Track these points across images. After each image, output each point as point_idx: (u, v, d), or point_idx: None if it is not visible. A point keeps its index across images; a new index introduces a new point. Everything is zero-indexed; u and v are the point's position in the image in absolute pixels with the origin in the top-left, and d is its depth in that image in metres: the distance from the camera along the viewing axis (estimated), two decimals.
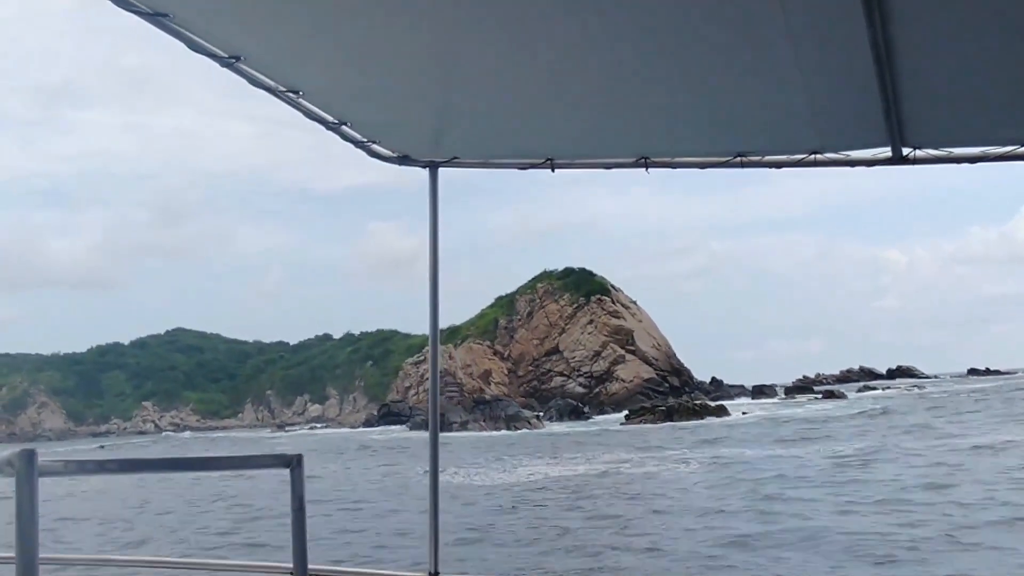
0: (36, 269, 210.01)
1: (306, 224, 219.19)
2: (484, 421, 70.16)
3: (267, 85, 3.65)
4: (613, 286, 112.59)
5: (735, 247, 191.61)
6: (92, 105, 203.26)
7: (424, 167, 4.96)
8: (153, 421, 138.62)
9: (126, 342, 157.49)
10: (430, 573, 4.90)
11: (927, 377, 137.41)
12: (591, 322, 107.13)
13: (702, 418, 68.35)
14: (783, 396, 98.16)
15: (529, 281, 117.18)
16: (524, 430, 67.58)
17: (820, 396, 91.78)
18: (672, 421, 68.64)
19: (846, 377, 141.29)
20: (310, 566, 3.01)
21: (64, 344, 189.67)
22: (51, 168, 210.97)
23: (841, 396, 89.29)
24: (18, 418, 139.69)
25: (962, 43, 3.34)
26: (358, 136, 4.41)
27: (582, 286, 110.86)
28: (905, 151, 4.37)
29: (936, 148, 4.37)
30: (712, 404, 76.49)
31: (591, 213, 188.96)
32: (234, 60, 3.37)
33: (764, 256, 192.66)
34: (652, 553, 19.68)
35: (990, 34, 3.26)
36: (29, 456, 2.18)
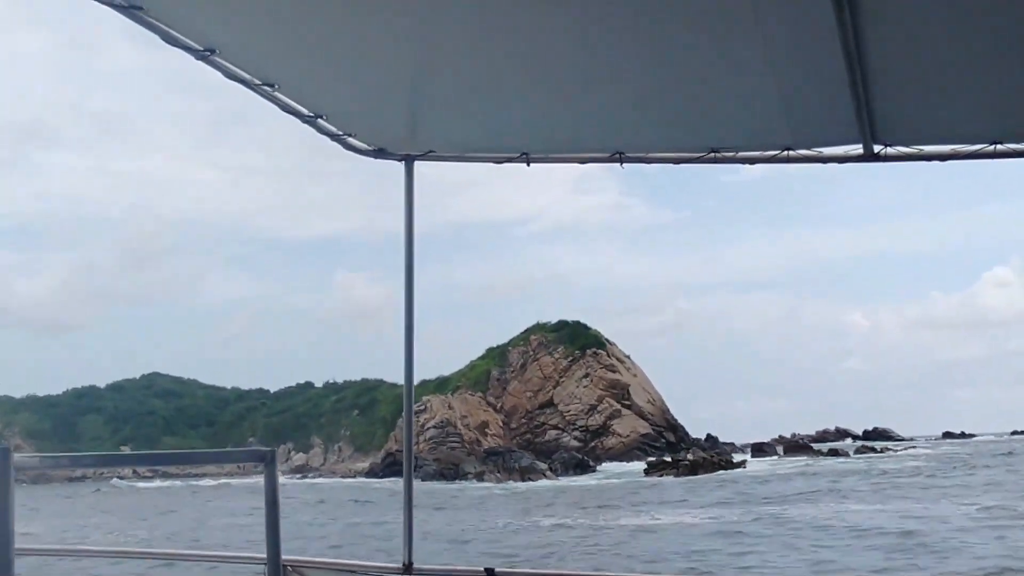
0: None
1: (274, 272, 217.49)
2: (499, 472, 69.00)
3: (242, 78, 3.61)
4: (607, 340, 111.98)
5: (702, 306, 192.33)
6: (60, 147, 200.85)
7: (400, 160, 4.96)
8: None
9: (102, 385, 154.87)
10: (404, 564, 5.02)
11: (903, 439, 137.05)
12: (586, 375, 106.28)
13: (726, 470, 67.67)
14: (781, 455, 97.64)
15: (521, 333, 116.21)
16: (544, 481, 66.51)
17: (824, 453, 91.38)
18: (696, 474, 67.88)
19: (822, 437, 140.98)
20: (283, 557, 3.13)
21: (29, 387, 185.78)
22: (17, 208, 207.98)
23: (844, 454, 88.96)
24: None
25: (933, 41, 3.35)
26: (334, 129, 4.39)
27: (576, 339, 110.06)
28: (876, 148, 4.39)
29: (907, 146, 4.41)
30: (735, 459, 75.82)
31: (561, 269, 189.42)
32: (209, 53, 3.33)
33: (730, 315, 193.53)
34: None
35: (961, 33, 3.26)
36: (3, 453, 2.31)
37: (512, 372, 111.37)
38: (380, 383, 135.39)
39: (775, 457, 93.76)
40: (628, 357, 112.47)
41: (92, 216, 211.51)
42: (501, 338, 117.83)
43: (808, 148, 4.52)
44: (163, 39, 3.17)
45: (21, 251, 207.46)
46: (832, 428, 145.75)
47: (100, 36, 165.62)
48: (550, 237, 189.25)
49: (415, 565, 5.05)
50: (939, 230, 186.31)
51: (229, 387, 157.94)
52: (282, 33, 3.45)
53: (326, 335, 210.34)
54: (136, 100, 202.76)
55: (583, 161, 4.92)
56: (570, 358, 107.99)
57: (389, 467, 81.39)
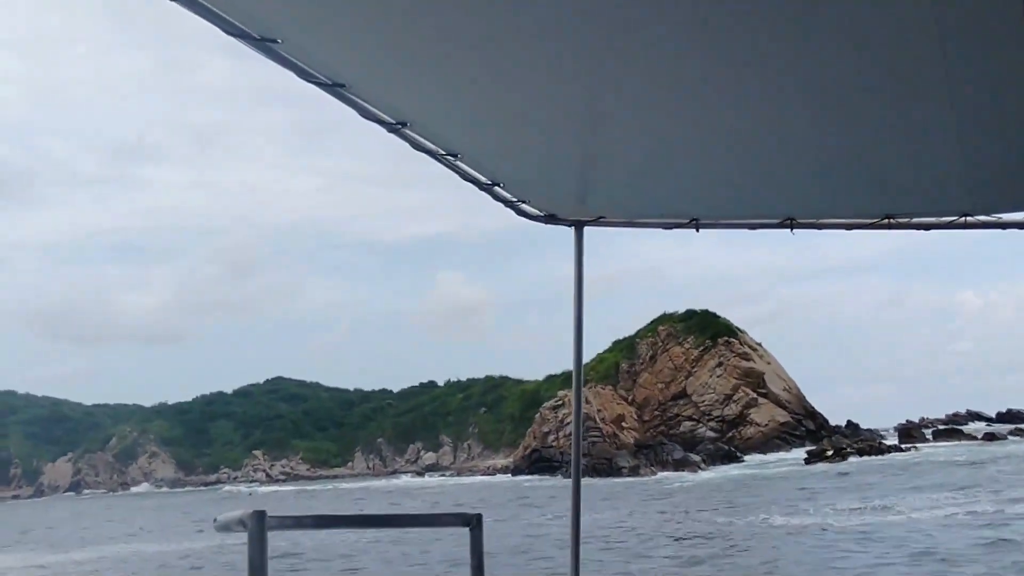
0: (108, 323, 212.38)
1: (373, 276, 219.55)
2: (652, 465, 67.61)
3: (429, 149, 3.77)
4: (738, 328, 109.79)
5: (803, 293, 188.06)
6: (162, 162, 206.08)
7: (570, 226, 5.06)
8: (264, 470, 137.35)
9: (228, 391, 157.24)
10: None
11: None
12: (720, 365, 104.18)
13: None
14: (931, 439, 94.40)
15: (649, 324, 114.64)
16: (705, 473, 64.89)
17: (979, 438, 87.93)
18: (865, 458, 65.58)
19: (953, 420, 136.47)
20: None
21: (157, 395, 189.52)
22: (122, 224, 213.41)
23: (1002, 437, 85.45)
24: (129, 467, 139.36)
25: None
26: (509, 196, 4.51)
27: (707, 328, 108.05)
28: None
29: None
30: (901, 445, 73.23)
31: (653, 261, 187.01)
32: (400, 126, 3.52)
33: (833, 301, 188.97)
34: None
35: None
36: (260, 516, 2.44)
37: (642, 364, 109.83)
38: (505, 380, 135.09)
39: (929, 442, 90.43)
40: (760, 344, 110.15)
41: (194, 228, 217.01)
42: (602, 331, 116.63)
43: (987, 214, 4.44)
44: (360, 113, 3.35)
45: (127, 265, 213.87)
46: (963, 411, 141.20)
47: (196, 52, 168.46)
48: (647, 231, 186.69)
49: None
50: None
51: (352, 389, 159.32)
52: (466, 107, 3.62)
53: (429, 335, 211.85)
54: (232, 113, 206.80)
55: (752, 227, 4.93)
56: (701, 347, 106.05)
57: (535, 464, 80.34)
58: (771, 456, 76.16)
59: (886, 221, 4.59)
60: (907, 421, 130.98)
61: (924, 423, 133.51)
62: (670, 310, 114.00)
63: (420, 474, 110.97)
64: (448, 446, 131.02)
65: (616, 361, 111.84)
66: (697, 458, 71.22)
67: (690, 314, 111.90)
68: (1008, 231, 4.56)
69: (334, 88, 3.17)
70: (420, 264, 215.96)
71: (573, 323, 5.28)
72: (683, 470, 66.47)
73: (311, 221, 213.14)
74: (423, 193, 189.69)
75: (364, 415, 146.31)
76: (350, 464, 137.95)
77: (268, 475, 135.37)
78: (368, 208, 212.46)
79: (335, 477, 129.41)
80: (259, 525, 2.44)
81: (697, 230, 4.87)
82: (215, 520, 2.75)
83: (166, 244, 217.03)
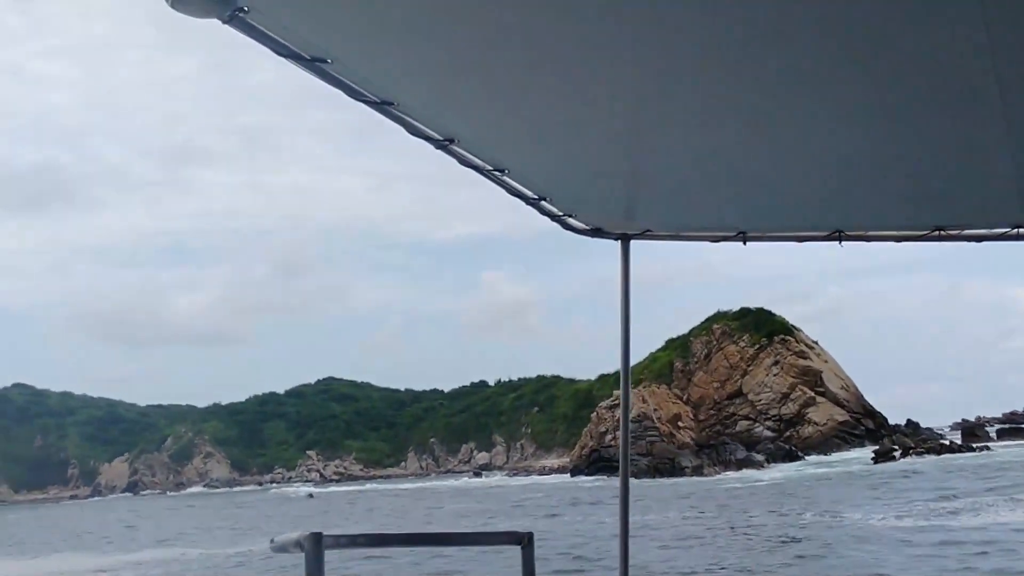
0: (161, 325, 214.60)
1: (420, 275, 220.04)
2: (716, 465, 67.02)
3: (476, 165, 3.78)
4: (794, 326, 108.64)
5: (855, 290, 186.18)
6: (212, 165, 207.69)
7: (616, 239, 5.05)
8: (318, 470, 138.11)
9: (281, 391, 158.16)
10: None
11: None
12: (776, 363, 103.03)
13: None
14: (995, 437, 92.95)
15: (703, 322, 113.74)
16: (772, 472, 64.14)
17: None
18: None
19: (1011, 419, 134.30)
20: None
21: (210, 396, 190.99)
22: (173, 227, 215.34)
23: None
24: (184, 468, 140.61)
25: None
26: (555, 210, 4.54)
27: (762, 326, 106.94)
28: None
29: None
30: (972, 444, 72.13)
31: (703, 260, 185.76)
32: (448, 143, 3.53)
33: (884, 299, 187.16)
34: None
35: None
36: (317, 538, 2.50)
37: (696, 362, 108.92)
38: (557, 379, 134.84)
39: (994, 441, 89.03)
40: (816, 343, 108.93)
41: (244, 230, 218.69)
42: (655, 329, 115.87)
43: None
44: (408, 131, 3.39)
45: (179, 267, 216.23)
46: (1020, 409, 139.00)
47: (244, 53, 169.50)
48: None
49: None
50: None
51: (403, 388, 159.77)
52: (512, 123, 3.62)
53: (477, 334, 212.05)
54: (280, 114, 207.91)
55: (800, 240, 4.92)
56: (756, 346, 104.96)
57: (593, 464, 79.89)
58: (833, 456, 75.12)
59: (936, 233, 4.60)
60: (963, 420, 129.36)
61: (981, 421, 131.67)
62: (723, 308, 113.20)
63: (477, 474, 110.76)
64: (501, 446, 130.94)
65: (670, 360, 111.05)
66: (760, 457, 70.56)
67: (745, 312, 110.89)
68: None
69: (382, 106, 3.21)
70: (468, 264, 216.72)
71: (620, 335, 5.27)
72: (746, 469, 65.70)
73: (360, 221, 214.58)
74: (471, 193, 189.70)
75: (416, 415, 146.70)
76: (403, 464, 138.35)
77: (322, 475, 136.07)
78: (416, 208, 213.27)
79: (388, 477, 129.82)
80: (316, 547, 2.48)
81: (744, 243, 4.88)
82: (272, 541, 2.75)
83: (217, 246, 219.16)
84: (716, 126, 3.59)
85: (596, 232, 4.94)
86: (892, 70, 3.04)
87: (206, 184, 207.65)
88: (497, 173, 3.94)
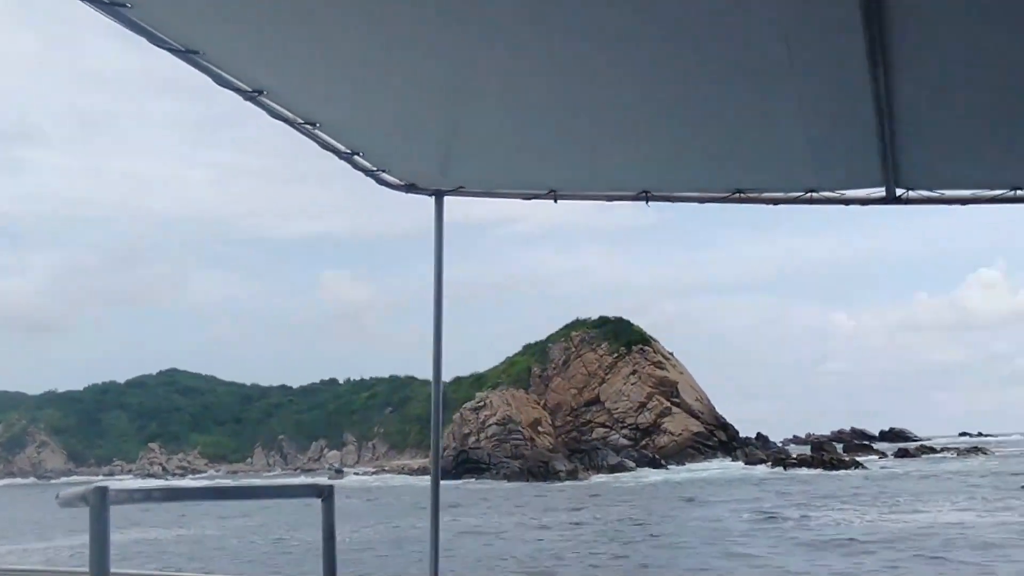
0: None
1: (260, 271, 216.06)
2: (589, 469, 67.52)
3: (287, 118, 3.79)
4: (651, 336, 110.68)
5: (688, 308, 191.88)
6: (46, 147, 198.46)
7: (430, 195, 5.12)
8: (160, 464, 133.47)
9: (121, 381, 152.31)
10: None
11: (919, 440, 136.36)
12: (634, 372, 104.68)
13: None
14: (842, 453, 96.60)
15: (562, 328, 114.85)
16: (653, 476, 64.90)
17: (890, 455, 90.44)
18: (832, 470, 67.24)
19: (838, 438, 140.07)
20: None
21: (45, 383, 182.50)
22: (1, 208, 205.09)
23: (915, 455, 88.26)
24: (16, 457, 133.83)
25: (959, 96, 3.58)
26: (369, 165, 4.56)
27: (621, 335, 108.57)
28: (899, 192, 4.63)
29: (929, 190, 4.65)
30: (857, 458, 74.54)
31: (544, 271, 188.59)
32: (257, 94, 3.52)
33: (716, 318, 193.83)
34: None
35: (986, 86, 3.50)
36: (102, 492, 2.45)
37: (554, 368, 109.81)
38: (411, 380, 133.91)
39: (841, 457, 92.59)
40: (672, 354, 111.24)
41: (78, 216, 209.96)
42: (489, 340, 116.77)
43: (832, 190, 4.69)
44: (215, 81, 3.34)
45: (6, 252, 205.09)
46: (848, 428, 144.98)
47: (85, 35, 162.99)
48: (533, 239, 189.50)
49: None
50: (925, 232, 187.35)
51: (249, 383, 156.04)
52: (324, 75, 3.61)
53: (321, 332, 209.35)
54: (124, 100, 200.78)
55: (610, 199, 5.07)
56: (615, 354, 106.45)
57: (461, 465, 79.30)
58: (697, 465, 76.76)
59: (736, 195, 4.79)
60: (794, 436, 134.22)
61: (811, 438, 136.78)
62: (564, 318, 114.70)
63: (338, 472, 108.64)
64: (352, 445, 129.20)
65: (528, 365, 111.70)
66: (632, 464, 71.48)
67: (604, 320, 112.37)
68: (851, 207, 4.82)
69: (187, 55, 3.12)
70: (310, 262, 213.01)
71: (433, 293, 5.33)
72: (617, 473, 66.52)
73: (200, 214, 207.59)
74: (315, 190, 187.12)
75: (264, 411, 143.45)
76: (249, 460, 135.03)
77: (164, 468, 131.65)
78: (258, 203, 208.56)
79: (235, 473, 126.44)
80: (101, 500, 2.42)
81: (555, 201, 4.98)
82: (57, 496, 2.66)
83: (48, 230, 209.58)
84: (529, 86, 3.64)
85: (410, 188, 4.98)
86: (694, 42, 3.18)
87: (38, 166, 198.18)
88: (308, 126, 3.91)
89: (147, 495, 2.94)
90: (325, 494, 2.98)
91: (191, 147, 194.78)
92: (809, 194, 4.73)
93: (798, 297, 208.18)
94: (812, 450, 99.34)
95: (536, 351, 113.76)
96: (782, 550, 29.45)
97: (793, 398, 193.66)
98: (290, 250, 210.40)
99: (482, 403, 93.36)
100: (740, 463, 78.74)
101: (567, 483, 64.67)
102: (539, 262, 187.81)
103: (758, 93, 3.59)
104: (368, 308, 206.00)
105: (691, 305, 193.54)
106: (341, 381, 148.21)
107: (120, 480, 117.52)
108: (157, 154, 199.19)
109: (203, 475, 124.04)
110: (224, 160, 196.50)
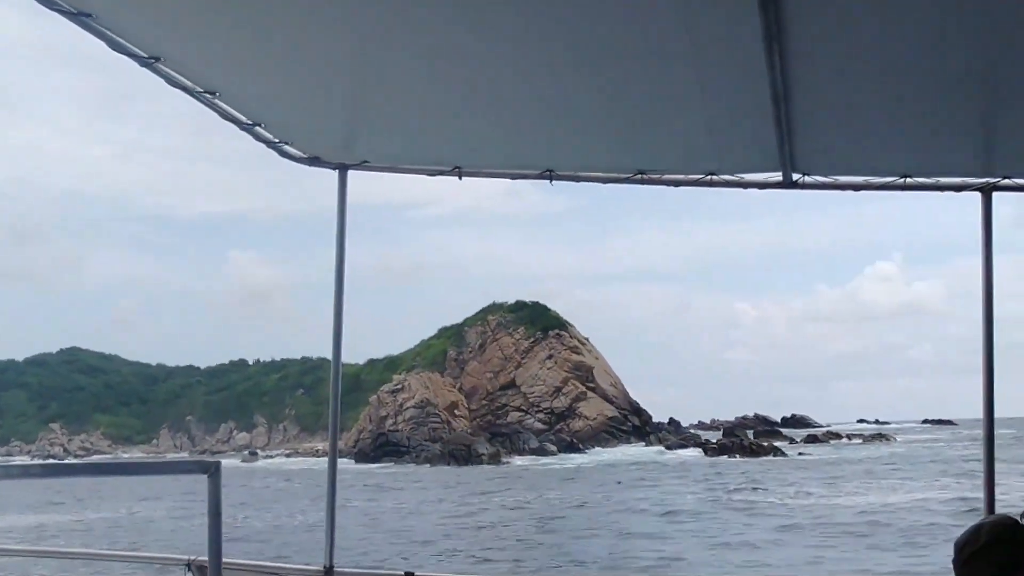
0: None
1: (164, 251, 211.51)
2: (512, 453, 67.01)
3: (185, 86, 3.71)
4: (568, 322, 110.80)
5: (598, 295, 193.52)
6: None
7: (334, 169, 5.11)
8: (61, 445, 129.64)
9: (19, 359, 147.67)
10: (325, 567, 5.14)
11: (821, 427, 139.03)
12: (550, 357, 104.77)
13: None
14: (752, 439, 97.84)
15: (478, 312, 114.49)
16: (580, 458, 64.56)
17: (798, 440, 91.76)
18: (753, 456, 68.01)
19: (742, 424, 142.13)
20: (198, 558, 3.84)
21: None
22: None
23: (824, 440, 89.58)
24: None
25: (852, 84, 3.70)
26: (271, 137, 4.50)
27: (537, 320, 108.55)
28: (795, 177, 4.76)
29: (823, 175, 4.79)
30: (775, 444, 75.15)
31: (458, 256, 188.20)
32: (153, 60, 3.44)
33: (625, 305, 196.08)
34: None
35: (877, 77, 3.62)
36: None
37: (470, 352, 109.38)
38: (324, 361, 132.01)
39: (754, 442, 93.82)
40: (588, 340, 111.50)
41: None
42: (403, 323, 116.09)
43: (731, 174, 4.79)
44: (109, 46, 3.26)
45: None
46: (751, 415, 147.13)
47: None
48: (447, 223, 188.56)
49: (336, 568, 5.14)
50: (825, 224, 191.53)
51: (155, 364, 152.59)
52: (224, 44, 3.55)
53: (229, 313, 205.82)
54: (22, 71, 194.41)
55: (514, 177, 5.11)
56: (531, 339, 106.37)
57: (381, 448, 78.24)
58: (614, 449, 76.90)
59: (639, 176, 4.86)
60: (699, 422, 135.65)
61: (716, 424, 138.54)
62: (479, 303, 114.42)
63: (253, 454, 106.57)
64: (263, 427, 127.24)
65: (444, 348, 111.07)
66: (553, 448, 71.18)
67: (521, 305, 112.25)
68: (749, 190, 4.90)
69: (79, 18, 3.04)
70: (214, 242, 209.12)
71: (335, 267, 5.28)
72: (541, 457, 66.17)
73: (101, 190, 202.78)
74: (222, 169, 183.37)
75: (171, 391, 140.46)
76: (155, 442, 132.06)
77: (66, 450, 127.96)
78: (162, 182, 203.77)
79: (142, 456, 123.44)
80: None
81: (460, 178, 5.00)
82: None
83: None
84: (435, 62, 3.64)
85: (313, 161, 4.91)
86: (597, 24, 3.21)
87: None
88: (208, 95, 3.82)
89: (25, 471, 2.77)
90: (211, 470, 2.87)
91: (96, 122, 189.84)
92: (709, 177, 4.81)
93: (704, 286, 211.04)
94: (724, 435, 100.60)
95: (452, 334, 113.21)
96: (767, 536, 29.62)
97: (699, 384, 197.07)
98: (196, 229, 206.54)
99: (400, 386, 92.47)
100: (656, 447, 78.96)
101: (488, 467, 64.00)
102: (454, 246, 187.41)
103: (660, 76, 3.64)
104: (278, 289, 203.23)
105: (603, 292, 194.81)
106: (251, 362, 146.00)
107: (15, 461, 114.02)
108: (57, 127, 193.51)
109: (107, 456, 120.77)
110: (126, 136, 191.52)
